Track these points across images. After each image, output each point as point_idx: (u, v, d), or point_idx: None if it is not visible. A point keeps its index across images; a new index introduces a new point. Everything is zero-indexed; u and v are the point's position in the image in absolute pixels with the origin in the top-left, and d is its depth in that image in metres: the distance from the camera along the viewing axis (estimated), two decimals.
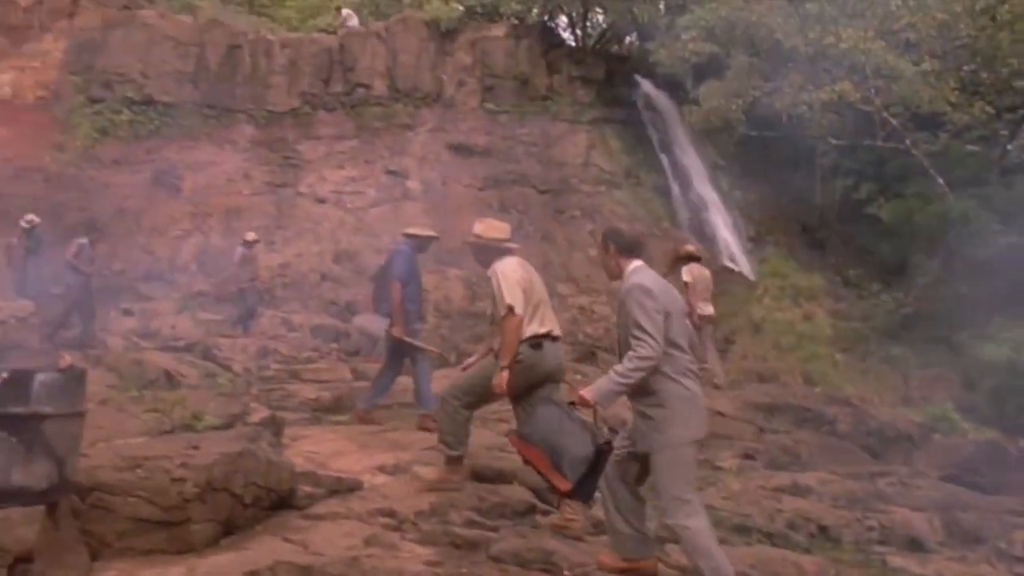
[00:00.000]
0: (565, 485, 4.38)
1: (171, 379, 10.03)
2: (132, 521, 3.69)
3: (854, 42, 16.96)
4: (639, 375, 4.05)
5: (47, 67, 20.62)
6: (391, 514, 4.89)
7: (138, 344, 12.63)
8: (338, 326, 14.69)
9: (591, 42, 26.12)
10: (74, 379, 3.19)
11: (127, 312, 14.63)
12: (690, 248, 11.68)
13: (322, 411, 8.91)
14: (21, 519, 2.89)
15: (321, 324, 14.56)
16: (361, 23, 22.94)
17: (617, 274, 4.42)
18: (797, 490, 6.65)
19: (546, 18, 25.18)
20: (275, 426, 5.72)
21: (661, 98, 22.38)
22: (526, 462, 4.72)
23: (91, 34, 20.74)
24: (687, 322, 4.43)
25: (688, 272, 10.97)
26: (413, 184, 19.76)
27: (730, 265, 19.98)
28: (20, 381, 2.95)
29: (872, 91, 17.56)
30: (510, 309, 5.14)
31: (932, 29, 17.28)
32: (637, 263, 4.39)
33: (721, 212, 21.16)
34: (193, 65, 20.91)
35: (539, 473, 4.60)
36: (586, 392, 4.25)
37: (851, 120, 18.50)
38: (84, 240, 12.63)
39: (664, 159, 21.86)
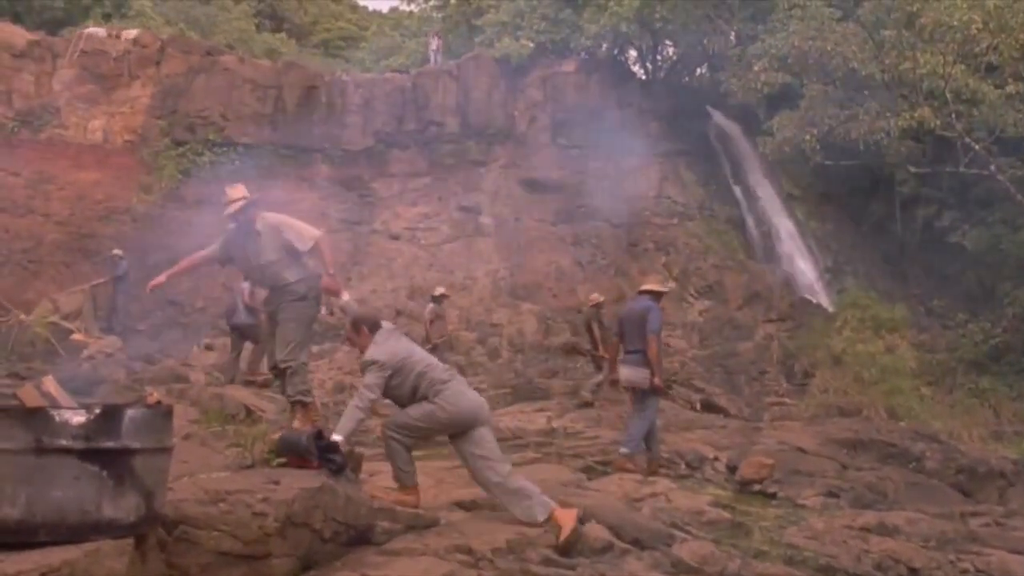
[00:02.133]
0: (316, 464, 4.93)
1: (251, 414, 10.18)
2: (215, 554, 3.74)
3: (933, 67, 16.62)
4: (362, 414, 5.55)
5: (135, 112, 21.46)
6: (468, 551, 4.85)
7: (219, 379, 12.89)
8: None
9: (661, 74, 26.14)
10: (162, 415, 3.27)
11: (208, 347, 14.99)
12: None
13: None
14: (111, 551, 2.95)
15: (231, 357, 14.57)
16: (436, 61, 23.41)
17: (367, 346, 5.59)
18: (884, 530, 6.41)
19: (616, 52, 25.31)
20: (353, 461, 5.75)
21: (733, 129, 22.23)
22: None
23: (176, 80, 21.52)
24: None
25: None
26: (486, 220, 19.94)
27: (807, 297, 19.61)
28: (111, 416, 3.03)
29: (953, 116, 17.14)
30: None
31: (1015, 51, 16.82)
32: (377, 336, 5.63)
33: (797, 242, 20.83)
34: (271, 107, 21.51)
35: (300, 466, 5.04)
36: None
37: (931, 147, 18.10)
38: (245, 284, 13.01)
39: (737, 190, 21.67)
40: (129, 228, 19.17)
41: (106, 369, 13.11)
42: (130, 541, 3.08)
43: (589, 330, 13.73)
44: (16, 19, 22.90)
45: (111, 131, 21.23)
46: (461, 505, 5.78)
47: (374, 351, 5.59)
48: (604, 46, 24.07)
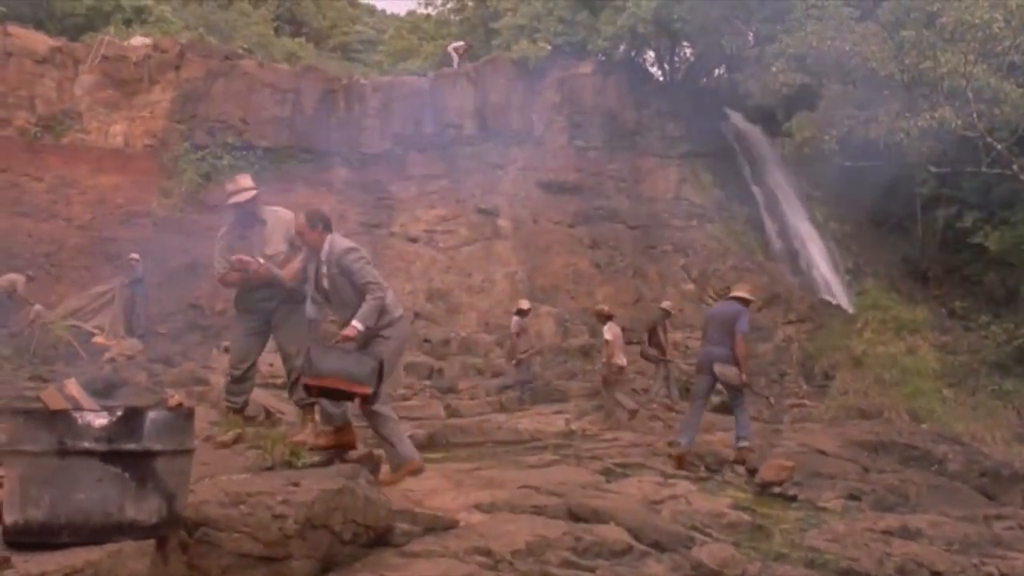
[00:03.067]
0: (367, 390, 5.28)
1: (270, 416, 10.23)
2: (236, 556, 3.75)
3: (954, 66, 16.47)
4: (377, 313, 5.49)
5: (155, 117, 21.61)
6: (487, 553, 4.85)
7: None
8: (431, 363, 14.82)
9: (679, 76, 26.07)
10: (183, 417, 3.29)
11: (227, 350, 15.04)
12: (603, 307, 13.47)
13: (416, 448, 8.95)
14: (133, 552, 2.97)
15: (414, 362, 14.70)
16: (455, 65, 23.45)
17: (318, 246, 5.58)
18: (907, 533, 6.36)
19: (633, 54, 25.26)
20: (372, 463, 5.77)
21: (752, 130, 22.15)
22: (323, 392, 5.39)
23: (195, 84, 21.66)
24: None
25: (609, 330, 12.24)
26: (504, 222, 19.94)
27: (827, 298, 19.50)
28: (133, 419, 3.05)
29: (974, 116, 16.97)
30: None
31: None
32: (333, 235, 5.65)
33: (816, 244, 20.72)
34: (290, 110, 21.61)
35: (340, 392, 5.34)
36: (349, 330, 5.43)
37: (952, 147, 17.92)
38: None
39: (756, 191, 21.58)
40: (150, 232, 19.31)
41: (127, 372, 13.21)
42: (152, 543, 3.10)
43: (655, 334, 13.67)
44: (38, 25, 23.09)
45: (132, 136, 21.39)
46: (480, 507, 5.78)
47: (343, 240, 5.68)
48: (621, 47, 24.01)
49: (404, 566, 4.49)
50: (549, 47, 22.94)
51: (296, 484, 4.28)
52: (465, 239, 19.75)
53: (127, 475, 3.02)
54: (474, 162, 21.16)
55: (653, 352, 13.84)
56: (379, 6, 48.98)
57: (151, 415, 3.11)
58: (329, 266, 5.56)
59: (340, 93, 22.14)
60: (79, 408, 3.22)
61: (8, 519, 2.97)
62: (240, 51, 23.13)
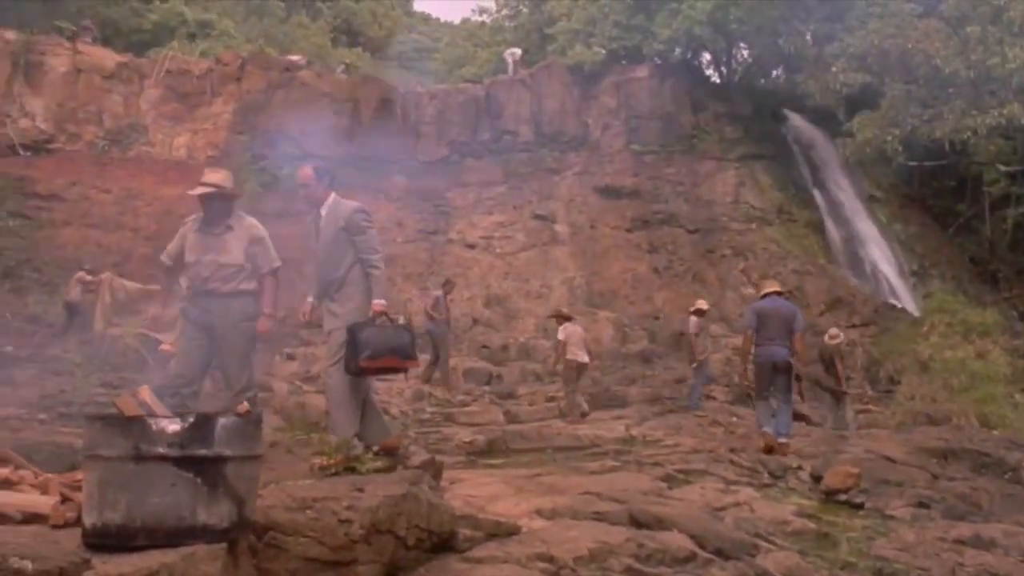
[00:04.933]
0: (417, 363, 5.55)
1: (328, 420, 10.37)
2: (303, 560, 3.80)
3: (1022, 62, 16.03)
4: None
5: (217, 128, 22.10)
6: (550, 559, 4.84)
7: (301, 388, 13.16)
8: (490, 369, 14.86)
9: (736, 78, 25.82)
10: (252, 423, 3.34)
11: (290, 357, 15.30)
12: (562, 310, 14.06)
13: (477, 454, 9.01)
14: (205, 556, 3.04)
15: (474, 367, 14.77)
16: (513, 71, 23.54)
17: (319, 201, 5.54)
18: (980, 543, 6.18)
19: (689, 56, 25.08)
20: (434, 469, 5.80)
21: (812, 131, 21.84)
22: (380, 371, 5.48)
23: (256, 96, 22.09)
24: None
25: (563, 331, 12.85)
26: (561, 228, 19.94)
27: (892, 301, 19.09)
28: (204, 425, 3.11)
29: None
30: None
31: None
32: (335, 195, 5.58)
33: (880, 246, 20.32)
34: (348, 120, 21.90)
35: (392, 369, 5.45)
36: (379, 304, 5.37)
37: (1022, 144, 17.43)
38: (439, 292, 13.62)
39: (817, 194, 21.25)
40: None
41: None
42: (223, 546, 3.16)
43: (831, 365, 13.47)
44: (105, 42, 23.78)
45: (195, 147, 21.91)
46: (541, 513, 5.77)
47: (352, 202, 5.60)
48: (677, 50, 23.87)
49: (467, 571, 4.51)
50: (604, 51, 22.89)
51: (360, 490, 4.32)
52: (522, 245, 19.79)
53: (199, 480, 3.08)
54: (530, 168, 21.19)
55: (830, 383, 13.60)
56: (433, 15, 49.30)
57: (221, 421, 3.17)
58: (330, 221, 5.47)
59: (397, 102, 22.38)
60: (153, 414, 3.29)
61: (87, 521, 3.05)
62: (299, 62, 23.49)
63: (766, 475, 8.35)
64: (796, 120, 22.05)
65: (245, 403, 4.68)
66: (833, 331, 14.00)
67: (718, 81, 25.72)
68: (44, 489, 3.64)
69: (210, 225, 5.65)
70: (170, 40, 25.81)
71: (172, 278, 6.03)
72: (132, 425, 3.09)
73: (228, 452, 3.16)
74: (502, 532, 5.18)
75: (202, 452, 3.10)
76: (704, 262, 19.27)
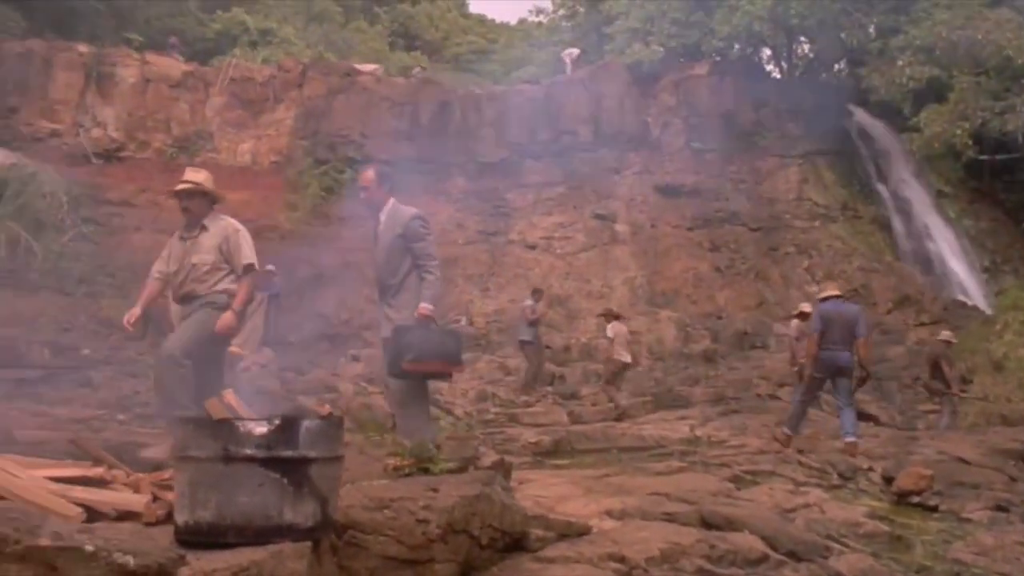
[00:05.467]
0: (461, 367, 5.47)
1: (394, 421, 10.50)
2: (382, 559, 3.88)
3: None
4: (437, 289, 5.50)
5: (280, 134, 22.51)
6: (621, 559, 4.86)
7: (366, 389, 13.35)
8: (553, 370, 14.89)
9: (797, 73, 25.45)
10: (334, 425, 3.44)
11: (355, 358, 15.52)
12: (611, 308, 14.71)
13: (543, 455, 9.06)
14: (292, 553, 3.13)
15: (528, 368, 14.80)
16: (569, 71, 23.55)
17: (379, 204, 5.53)
18: None
19: (749, 52, 24.80)
20: (504, 470, 5.86)
21: (877, 126, 21.41)
22: (424, 374, 5.47)
23: (317, 102, 22.45)
24: None
25: (612, 328, 13.31)
26: (621, 227, 19.88)
27: (962, 299, 18.63)
28: (289, 427, 3.21)
29: None
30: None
31: None
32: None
33: (949, 242, 19.84)
34: (407, 123, 22.13)
35: (440, 375, 5.55)
36: (424, 308, 5.38)
37: None
38: (530, 302, 14.22)
39: (883, 189, 20.84)
40: (277, 245, 20.03)
41: (261, 380, 13.75)
42: (308, 544, 3.26)
43: (938, 367, 13.19)
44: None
45: (258, 153, 22.34)
46: (611, 514, 5.80)
47: (410, 209, 5.58)
48: (737, 47, 23.62)
49: (540, 571, 4.56)
50: (663, 50, 22.77)
51: (435, 490, 4.39)
52: (583, 245, 19.78)
53: (285, 480, 3.18)
54: (590, 168, 21.15)
55: (939, 386, 13.35)
56: (489, 16, 49.49)
57: (305, 424, 3.27)
58: (389, 227, 5.50)
59: (456, 104, 22.54)
60: (239, 417, 3.40)
61: (179, 519, 3.17)
62: (359, 67, 23.83)
63: (835, 476, 8.25)
64: (860, 115, 21.63)
65: (327, 405, 4.77)
66: (945, 333, 13.64)
67: (778, 77, 25.38)
68: (136, 488, 3.79)
69: (188, 229, 5.64)
70: (232, 48, 26.38)
71: (161, 291, 5.87)
72: (221, 427, 3.21)
73: (312, 453, 3.26)
74: (573, 532, 5.22)
75: (288, 453, 3.20)
76: (767, 260, 19.04)
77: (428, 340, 5.31)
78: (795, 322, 13.07)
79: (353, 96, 22.25)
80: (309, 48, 27.37)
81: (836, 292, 9.69)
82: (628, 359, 13.37)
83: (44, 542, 2.55)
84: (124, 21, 26.02)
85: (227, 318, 5.45)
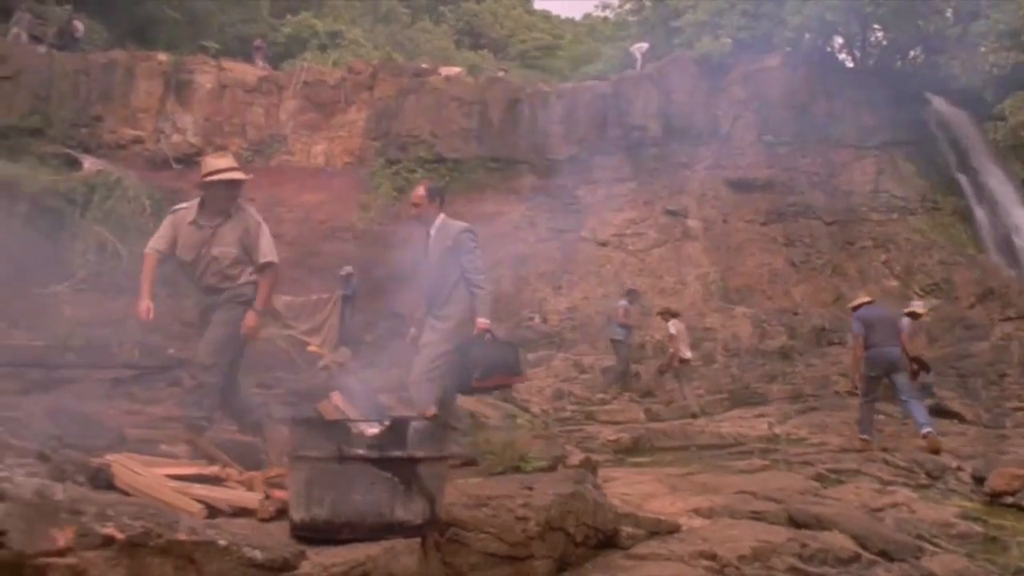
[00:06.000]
0: (524, 378, 5.86)
1: (475, 420, 10.64)
2: (483, 555, 3.99)
3: None
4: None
5: (352, 135, 22.88)
6: (712, 557, 4.89)
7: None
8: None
9: (871, 62, 24.91)
10: (440, 426, 3.56)
11: None
12: (669, 306, 15.12)
13: (623, 452, 9.09)
14: (404, 549, 3.25)
15: (612, 366, 14.83)
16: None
17: (429, 220, 5.66)
18: None
19: (820, 42, 24.35)
20: (590, 468, 5.93)
21: (957, 115, 20.83)
22: (490, 388, 5.64)
23: (388, 103, 22.75)
24: None
25: (674, 326, 13.72)
26: (693, 222, 19.73)
27: None
28: (399, 428, 3.34)
29: None
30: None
31: None
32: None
33: None
34: (477, 122, 22.27)
35: (504, 387, 5.72)
36: (483, 322, 5.48)
37: None
38: (624, 302, 14.57)
39: (964, 180, 20.27)
40: (351, 245, 20.40)
41: (341, 379, 14.01)
42: (418, 541, 3.38)
43: None
44: (246, 58, 24.97)
45: (331, 154, 22.75)
46: (698, 512, 5.83)
47: (460, 223, 5.70)
48: (808, 36, 23.20)
49: (633, 568, 4.62)
50: (732, 42, 22.50)
51: (530, 488, 4.49)
52: (655, 241, 19.68)
53: (396, 479, 3.30)
54: (660, 163, 21.03)
55: None
56: (554, 12, 49.45)
57: (414, 425, 3.39)
58: (439, 240, 5.62)
59: (525, 102, 22.61)
60: (348, 418, 3.54)
61: (295, 516, 3.32)
62: (428, 67, 24.08)
63: (923, 476, 8.12)
64: (939, 103, 21.07)
65: (432, 408, 4.91)
66: None
67: (851, 66, 24.87)
68: (249, 485, 3.96)
69: (208, 217, 5.36)
70: (302, 52, 26.90)
71: (158, 269, 5.48)
72: (334, 428, 3.35)
73: (420, 453, 3.38)
74: (663, 530, 5.27)
75: (398, 453, 3.33)
76: (843, 254, 18.69)
77: (491, 355, 5.43)
78: (905, 320, 12.78)
79: (423, 96, 22.49)
80: (377, 49, 27.74)
81: (869, 299, 10.36)
82: (690, 355, 13.76)
83: (182, 536, 2.71)
84: (199, 29, 26.75)
85: (251, 319, 5.27)
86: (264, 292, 5.37)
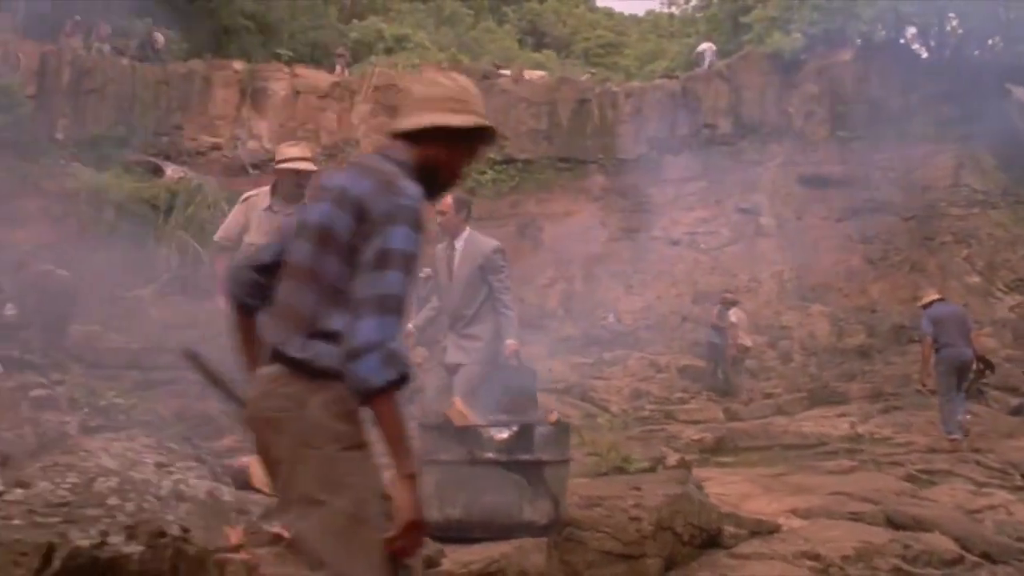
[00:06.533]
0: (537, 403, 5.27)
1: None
2: (598, 553, 4.14)
3: None
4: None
5: None
6: (816, 557, 4.97)
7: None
8: (704, 367, 14.87)
9: (947, 52, 24.36)
10: (563, 431, 3.71)
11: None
12: (727, 295, 15.39)
13: (708, 452, 9.15)
14: (532, 547, 3.43)
15: (688, 365, 14.85)
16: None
17: (457, 232, 5.52)
18: None
19: (894, 35, 23.90)
20: (686, 469, 6.04)
21: None
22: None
23: None
24: None
25: (734, 314, 14.32)
26: (766, 220, 19.56)
27: None
28: (526, 433, 3.50)
29: None
30: None
31: None
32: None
33: None
34: (546, 122, 22.38)
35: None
36: (513, 344, 5.38)
37: None
38: (720, 306, 14.72)
39: None
40: (425, 246, 20.66)
41: (423, 377, 14.28)
42: (544, 540, 3.54)
43: None
44: (316, 64, 25.49)
45: None
46: (796, 512, 5.89)
47: (491, 241, 5.60)
48: (882, 29, 22.79)
49: (738, 567, 4.72)
50: (804, 37, 22.21)
51: (638, 489, 4.63)
52: (727, 239, 19.56)
53: (524, 481, 3.47)
54: (731, 161, 20.87)
55: None
56: (616, 8, 49.26)
57: (539, 430, 3.55)
58: (468, 256, 5.49)
59: (593, 102, 22.65)
60: (471, 423, 3.71)
61: (428, 516, 3.50)
62: (497, 69, 24.28)
63: (1018, 477, 8.03)
64: (1020, 94, 20.51)
65: (555, 412, 5.06)
66: None
67: (925, 56, 24.35)
68: None
69: (281, 203, 5.41)
70: (369, 55, 27.31)
71: (228, 261, 5.35)
72: (465, 433, 3.53)
73: (546, 456, 3.55)
74: (764, 530, 5.36)
75: (525, 457, 3.50)
76: (922, 251, 18.34)
77: (514, 379, 5.26)
78: None
79: (492, 98, 22.62)
80: (442, 51, 28.03)
81: (938, 296, 10.42)
82: (750, 343, 14.29)
83: None
84: (271, 37, 27.36)
85: None
86: None
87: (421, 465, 3.67)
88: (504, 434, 3.47)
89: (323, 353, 2.10)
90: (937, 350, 9.76)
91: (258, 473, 3.92)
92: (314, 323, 2.13)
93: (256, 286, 2.34)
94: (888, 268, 18.24)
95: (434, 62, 24.84)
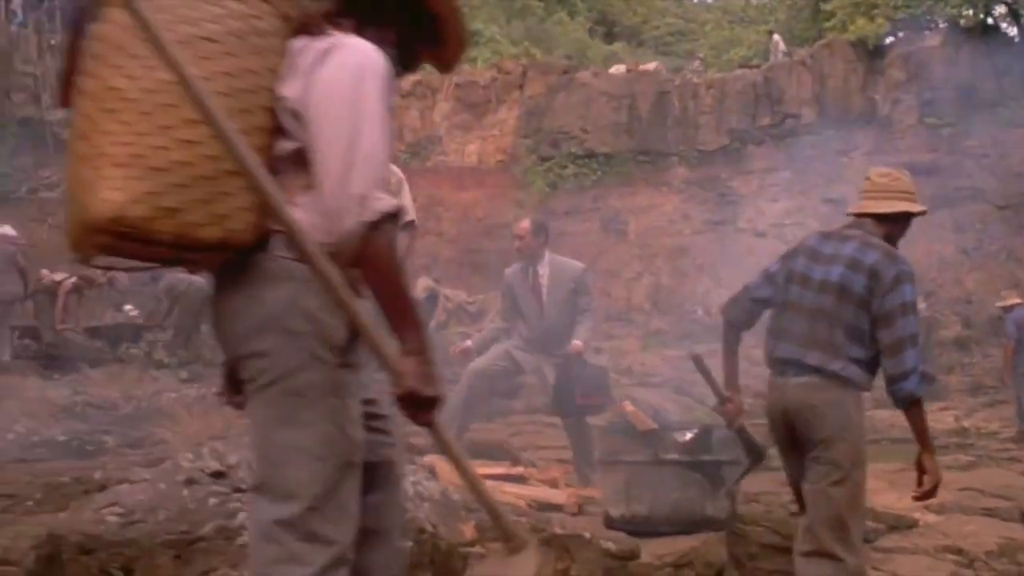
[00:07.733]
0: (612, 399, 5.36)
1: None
2: (760, 546, 4.36)
3: None
4: None
5: (504, 134, 23.49)
6: (958, 552, 5.11)
7: (618, 381, 13.90)
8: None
9: None
10: (736, 435, 3.95)
11: (598, 351, 16.10)
12: None
13: None
14: (715, 542, 3.70)
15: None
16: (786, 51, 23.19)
17: (537, 256, 5.66)
18: None
19: (984, 16, 23.37)
20: None
21: None
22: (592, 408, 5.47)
23: (538, 100, 23.24)
24: None
25: None
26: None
27: None
28: (705, 435, 3.76)
29: None
30: None
31: None
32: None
33: None
34: (626, 116, 22.47)
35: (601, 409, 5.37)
36: (579, 344, 5.59)
37: None
38: None
39: None
40: (508, 242, 20.91)
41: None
42: (724, 534, 3.80)
43: None
44: None
45: (484, 153, 23.42)
46: (929, 508, 6.00)
47: (576, 263, 5.95)
48: (971, 11, 22.32)
49: (883, 561, 4.90)
50: (888, 22, 21.90)
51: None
52: (815, 230, 19.42)
53: (705, 480, 3.73)
54: (816, 151, 20.70)
55: None
56: None
57: (716, 432, 3.81)
58: (557, 279, 5.64)
59: (673, 94, 22.68)
60: (646, 425, 3.98)
61: (614, 512, 3.79)
62: (576, 65, 24.46)
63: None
64: None
65: (628, 403, 5.22)
66: None
67: (1018, 39, 23.74)
68: (552, 483, 4.45)
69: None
70: None
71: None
72: (650, 436, 3.80)
73: (723, 457, 3.80)
74: (902, 525, 5.52)
75: (705, 457, 3.75)
76: (1019, 239, 17.99)
77: (589, 376, 5.51)
78: None
79: (572, 93, 22.86)
80: (514, 44, 28.23)
81: (1019, 300, 10.65)
82: None
83: (558, 530, 3.20)
84: None
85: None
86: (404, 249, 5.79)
87: (602, 465, 3.96)
88: (686, 436, 3.72)
89: (852, 372, 3.23)
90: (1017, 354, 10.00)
91: (446, 472, 4.24)
92: (844, 351, 3.20)
93: (750, 314, 3.75)
94: (983, 258, 17.97)
95: (507, 55, 25.11)
